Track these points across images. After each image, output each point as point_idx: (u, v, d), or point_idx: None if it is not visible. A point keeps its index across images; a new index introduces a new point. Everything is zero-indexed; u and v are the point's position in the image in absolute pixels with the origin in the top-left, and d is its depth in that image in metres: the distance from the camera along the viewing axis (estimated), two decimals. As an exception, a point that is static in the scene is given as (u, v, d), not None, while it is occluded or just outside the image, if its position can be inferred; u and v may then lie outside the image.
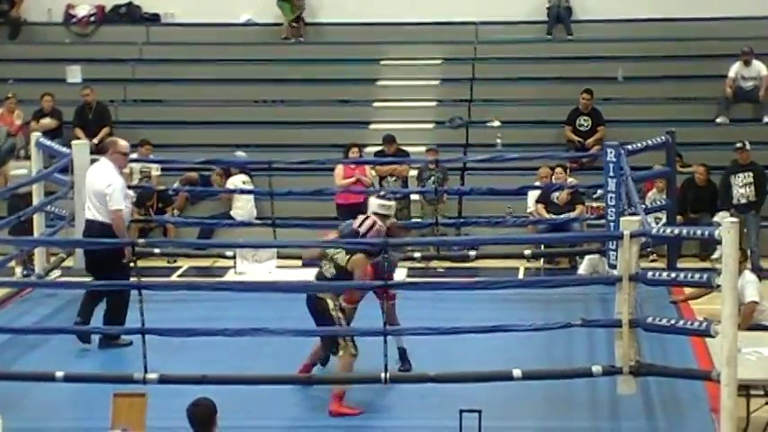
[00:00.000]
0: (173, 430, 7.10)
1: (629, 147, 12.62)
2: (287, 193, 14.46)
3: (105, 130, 18.02)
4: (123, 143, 11.31)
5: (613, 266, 10.95)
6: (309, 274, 10.14)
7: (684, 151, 15.72)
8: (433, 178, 15.92)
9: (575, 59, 19.51)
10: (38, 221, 13.06)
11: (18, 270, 13.17)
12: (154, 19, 21.00)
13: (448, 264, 14.95)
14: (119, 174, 11.10)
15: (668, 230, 9.95)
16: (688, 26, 19.66)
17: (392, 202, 10.09)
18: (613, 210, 11.93)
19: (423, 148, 16.59)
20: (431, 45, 20.01)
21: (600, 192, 14.05)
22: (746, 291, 10.64)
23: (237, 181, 16.41)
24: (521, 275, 14.59)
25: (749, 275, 10.91)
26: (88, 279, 10.80)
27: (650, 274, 9.22)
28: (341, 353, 9.28)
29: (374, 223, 9.59)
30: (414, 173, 16.58)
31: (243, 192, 16.06)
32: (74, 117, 18.19)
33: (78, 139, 16.09)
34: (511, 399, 9.22)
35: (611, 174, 11.95)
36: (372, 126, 18.59)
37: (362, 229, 9.56)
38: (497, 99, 19.09)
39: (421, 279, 12.95)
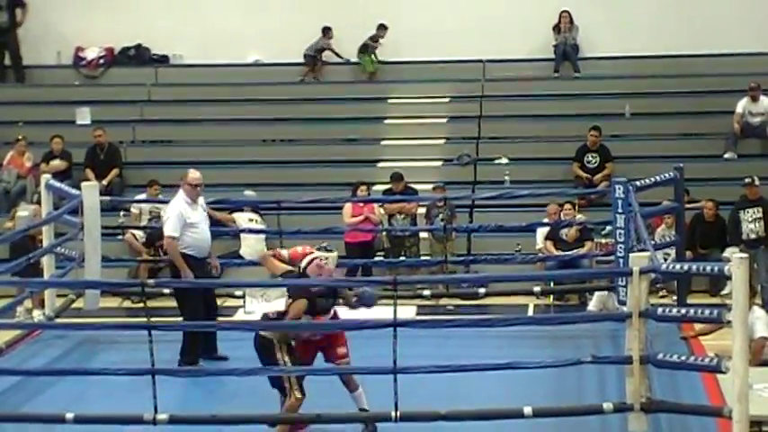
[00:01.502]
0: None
1: (638, 183, 12.61)
2: (296, 231, 14.47)
3: (114, 172, 18.10)
4: (192, 175, 11.32)
5: (623, 303, 10.92)
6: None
7: (693, 187, 15.72)
8: (440, 216, 15.93)
9: (582, 96, 19.57)
10: (48, 263, 13.08)
11: (35, 312, 13.12)
12: (162, 60, 21.11)
13: (457, 301, 14.93)
14: (185, 203, 11.17)
15: (677, 266, 9.92)
16: (695, 62, 19.73)
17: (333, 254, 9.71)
18: (622, 246, 11.90)
19: (431, 186, 16.62)
20: (438, 83, 20.08)
21: (608, 228, 14.04)
22: (756, 326, 10.61)
23: (244, 217, 16.40)
24: (530, 312, 14.56)
25: (758, 311, 10.90)
26: (98, 320, 10.81)
27: (660, 310, 9.20)
28: (289, 396, 9.15)
29: (313, 259, 9.43)
30: (422, 210, 16.60)
31: (251, 231, 16.07)
32: (84, 158, 18.26)
33: (88, 179, 16.14)
34: (522, 437, 9.19)
35: (620, 210, 11.94)
36: (381, 164, 18.63)
37: (303, 263, 9.46)
38: (505, 136, 19.14)
39: (430, 317, 12.93)
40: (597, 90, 19.71)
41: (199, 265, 11.20)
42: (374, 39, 20.31)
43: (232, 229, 16.38)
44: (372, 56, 20.40)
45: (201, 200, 11.50)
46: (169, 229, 11.10)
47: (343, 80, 20.54)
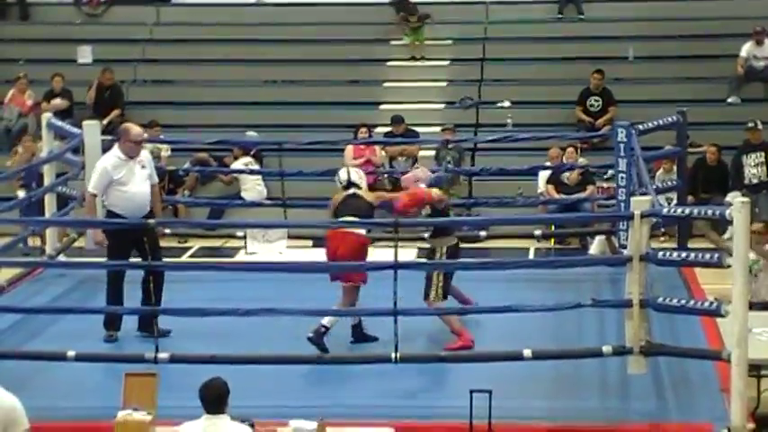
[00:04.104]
0: (183, 410, 7.10)
1: (640, 126, 12.58)
2: (297, 173, 14.46)
3: (116, 112, 18.03)
4: (135, 131, 10.64)
5: (624, 246, 10.93)
6: (320, 254, 10.19)
7: (695, 131, 15.63)
8: (449, 158, 15.89)
9: (585, 39, 19.47)
10: (49, 202, 13.08)
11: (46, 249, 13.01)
12: (164, -1, 21.03)
13: (458, 244, 14.91)
14: (116, 158, 10.43)
15: (679, 210, 9.92)
16: (699, 5, 19.62)
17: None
18: (624, 190, 11.89)
19: (433, 129, 16.59)
20: (441, 25, 19.96)
21: (610, 172, 14.03)
22: None
23: (240, 165, 16.39)
24: (531, 256, 14.59)
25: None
26: (100, 259, 10.83)
27: (661, 254, 9.20)
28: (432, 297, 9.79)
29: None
30: (431, 153, 16.55)
31: (252, 172, 16.05)
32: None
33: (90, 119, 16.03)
34: (521, 379, 9.22)
35: (622, 154, 11.91)
36: (383, 106, 18.57)
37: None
38: (508, 79, 19.07)
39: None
40: (601, 33, 19.59)
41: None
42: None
43: (232, 170, 16.40)
44: (420, 31, 19.62)
45: (146, 156, 10.71)
46: (90, 185, 10.57)
47: (343, 21, 20.38)
